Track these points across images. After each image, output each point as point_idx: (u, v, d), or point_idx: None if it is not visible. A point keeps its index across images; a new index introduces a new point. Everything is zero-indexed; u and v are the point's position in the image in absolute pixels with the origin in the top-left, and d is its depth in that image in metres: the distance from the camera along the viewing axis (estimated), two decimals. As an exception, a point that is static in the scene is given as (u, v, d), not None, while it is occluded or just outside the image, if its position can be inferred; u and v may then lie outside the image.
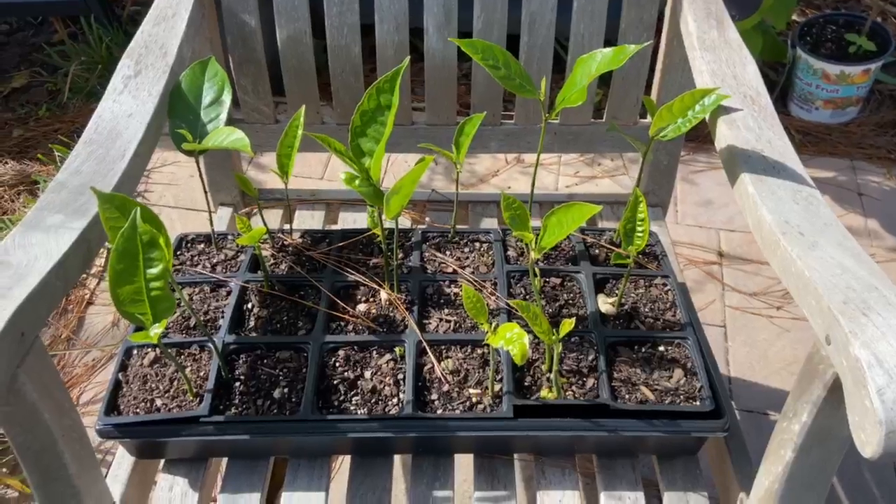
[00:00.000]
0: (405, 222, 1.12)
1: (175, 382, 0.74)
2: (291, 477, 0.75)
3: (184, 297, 0.68)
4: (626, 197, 1.13)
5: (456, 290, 0.84)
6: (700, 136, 1.91)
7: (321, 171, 1.86)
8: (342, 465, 1.14)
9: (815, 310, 0.56)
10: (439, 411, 0.72)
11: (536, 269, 0.72)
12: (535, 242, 0.68)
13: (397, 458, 0.79)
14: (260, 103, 1.03)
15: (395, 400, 0.73)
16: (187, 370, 0.75)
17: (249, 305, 0.82)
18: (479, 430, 0.71)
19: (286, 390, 0.74)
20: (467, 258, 0.89)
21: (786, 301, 1.55)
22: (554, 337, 0.67)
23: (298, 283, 0.85)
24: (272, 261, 0.88)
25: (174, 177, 1.84)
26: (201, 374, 0.75)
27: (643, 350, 0.77)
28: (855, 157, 1.86)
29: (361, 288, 0.84)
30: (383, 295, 0.83)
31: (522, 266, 0.86)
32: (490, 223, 1.08)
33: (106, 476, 0.72)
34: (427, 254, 0.89)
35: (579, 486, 0.75)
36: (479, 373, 0.75)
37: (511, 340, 0.63)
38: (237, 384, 0.74)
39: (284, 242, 0.90)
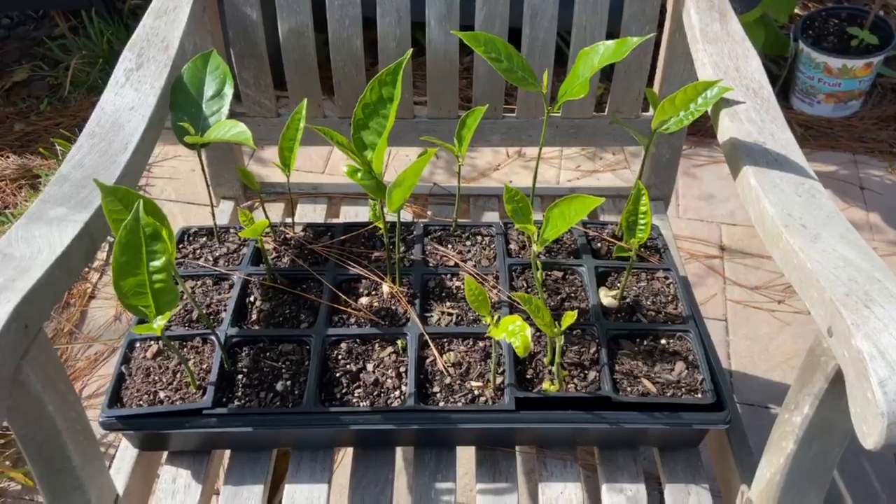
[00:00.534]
0: (407, 216, 1.12)
1: (178, 375, 0.74)
2: (294, 469, 0.75)
3: (186, 290, 0.68)
4: (628, 190, 1.13)
5: (458, 283, 0.84)
6: (702, 130, 1.91)
7: (322, 165, 1.86)
8: (344, 458, 1.15)
9: (818, 302, 0.56)
10: (441, 404, 0.72)
11: (538, 262, 0.72)
12: (538, 235, 0.68)
13: (399, 451, 0.79)
14: (261, 97, 1.03)
15: (397, 392, 0.73)
16: (190, 363, 0.76)
17: (252, 298, 0.83)
18: (481, 422, 0.71)
19: (289, 383, 0.74)
20: (469, 251, 0.89)
21: (787, 295, 1.55)
22: (556, 329, 0.67)
23: (301, 277, 0.85)
24: (274, 254, 0.88)
25: (175, 171, 1.84)
26: (204, 366, 0.75)
27: (645, 343, 0.78)
28: (857, 151, 1.86)
29: (363, 281, 0.84)
30: (385, 288, 0.83)
31: (524, 259, 0.86)
32: (492, 217, 1.08)
33: (109, 468, 0.72)
34: (429, 247, 0.89)
35: (581, 479, 0.76)
36: (480, 365, 0.75)
37: (513, 333, 0.63)
38: (240, 377, 0.74)
39: (286, 236, 0.90)
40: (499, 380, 0.74)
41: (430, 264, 0.86)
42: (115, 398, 0.73)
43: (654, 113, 0.77)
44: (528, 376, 0.74)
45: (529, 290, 0.84)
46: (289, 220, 1.07)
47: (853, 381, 0.51)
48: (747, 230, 1.68)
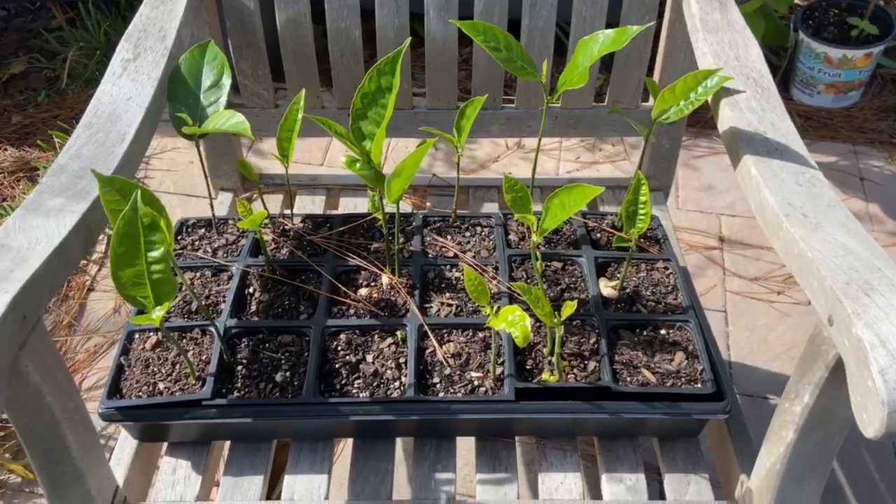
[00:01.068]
0: (406, 207, 1.12)
1: (177, 366, 0.74)
2: (294, 460, 0.75)
3: (185, 281, 0.68)
4: (627, 181, 1.13)
5: (457, 274, 0.84)
6: (701, 121, 1.91)
7: (321, 157, 1.85)
8: (344, 449, 1.15)
9: (818, 291, 0.56)
10: (441, 394, 0.72)
11: (538, 252, 0.72)
12: (537, 225, 0.68)
13: (399, 441, 0.79)
14: (259, 87, 1.02)
15: (397, 383, 0.73)
16: (189, 354, 0.75)
17: (251, 290, 0.82)
18: (481, 413, 0.71)
19: (288, 374, 0.74)
20: (468, 242, 0.88)
21: (786, 286, 1.55)
22: (556, 320, 0.67)
23: (300, 268, 0.85)
24: (273, 245, 0.88)
25: (173, 163, 1.83)
26: (203, 357, 0.75)
27: (645, 333, 0.77)
28: (857, 142, 1.86)
29: (363, 272, 0.84)
30: (385, 279, 0.83)
31: (524, 250, 0.86)
32: (491, 208, 1.08)
33: (109, 459, 0.72)
34: (428, 238, 0.89)
35: (580, 469, 0.76)
36: (480, 356, 0.75)
37: (513, 323, 0.63)
38: (239, 368, 0.74)
39: (285, 227, 0.90)
40: (498, 370, 0.74)
41: (430, 255, 0.86)
42: (115, 389, 0.73)
43: (653, 102, 0.77)
44: (528, 367, 0.74)
45: (529, 280, 0.83)
46: (287, 211, 1.06)
47: (854, 369, 0.51)
48: (747, 221, 1.68)
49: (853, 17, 1.89)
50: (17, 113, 1.95)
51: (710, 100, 0.78)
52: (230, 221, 0.92)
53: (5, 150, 1.84)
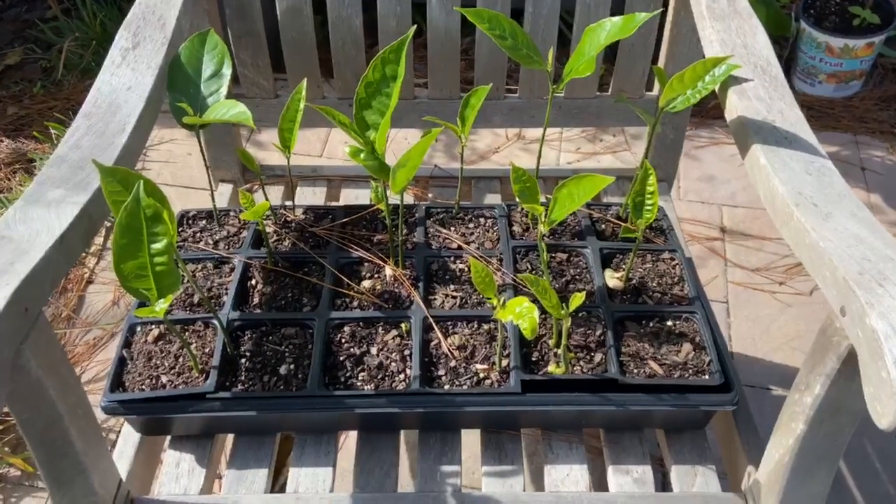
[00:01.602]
0: (408, 198, 1.11)
1: (180, 359, 0.74)
2: (298, 452, 0.74)
3: (188, 273, 0.67)
4: (630, 172, 1.12)
5: (461, 265, 0.83)
6: (703, 111, 1.90)
7: (320, 148, 1.84)
8: (348, 441, 1.14)
9: (830, 281, 0.56)
10: (446, 387, 0.71)
11: (544, 244, 0.71)
12: (545, 215, 0.67)
13: (403, 433, 0.79)
14: (260, 77, 1.01)
15: (401, 376, 0.72)
16: (192, 347, 0.75)
17: (253, 282, 0.82)
18: (487, 405, 0.71)
19: (292, 367, 0.73)
20: (472, 234, 0.88)
21: (788, 276, 1.55)
22: (563, 311, 0.66)
23: (302, 260, 0.84)
24: (275, 237, 0.87)
25: (172, 154, 1.82)
26: (206, 350, 0.74)
27: (651, 325, 0.77)
28: (858, 132, 1.85)
29: (366, 264, 0.83)
30: (388, 271, 0.82)
31: (528, 241, 0.86)
32: (493, 198, 1.07)
33: (112, 453, 0.72)
34: (431, 230, 0.88)
35: (586, 461, 0.75)
36: (485, 348, 0.75)
37: (521, 315, 0.62)
38: (243, 361, 0.74)
39: (287, 219, 0.89)
40: (504, 362, 0.73)
41: (433, 247, 0.85)
42: (117, 383, 0.72)
43: (659, 92, 0.76)
44: (534, 359, 0.74)
45: (534, 272, 0.83)
46: (289, 202, 1.05)
47: (867, 360, 0.50)
48: (748, 212, 1.67)
49: (855, 6, 1.88)
50: (13, 104, 1.94)
51: (716, 88, 0.77)
52: (231, 213, 0.91)
53: (1, 141, 1.82)
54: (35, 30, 2.11)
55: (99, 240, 1.64)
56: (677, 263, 0.84)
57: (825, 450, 0.62)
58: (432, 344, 0.75)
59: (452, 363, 0.73)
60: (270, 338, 0.76)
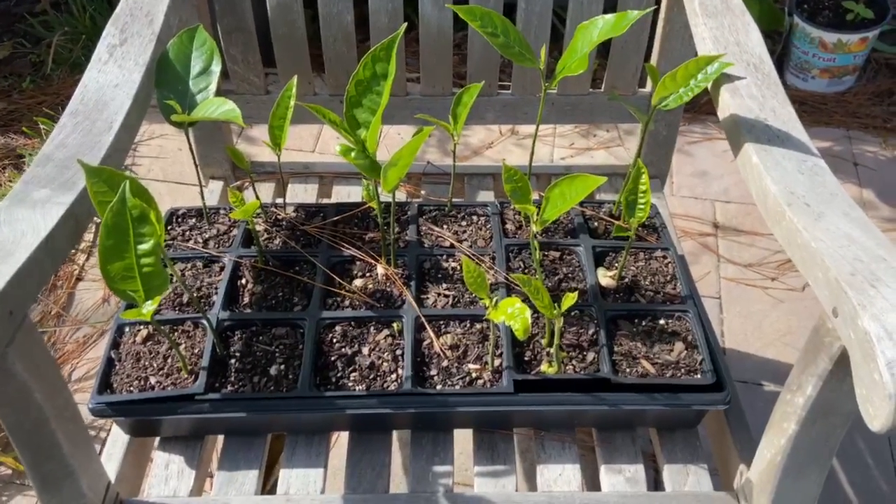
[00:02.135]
0: (400, 195, 1.10)
1: (169, 360, 0.73)
2: (289, 453, 0.74)
3: (176, 274, 0.66)
4: (623, 168, 1.11)
5: (454, 264, 0.83)
6: (695, 107, 1.89)
7: (312, 143, 1.83)
8: (339, 440, 1.14)
9: (822, 282, 0.55)
10: (438, 387, 0.71)
11: (536, 243, 0.70)
12: (537, 215, 0.66)
13: (395, 432, 0.78)
14: (250, 73, 1.00)
15: (393, 376, 0.72)
16: (181, 347, 0.74)
17: (243, 281, 0.81)
18: (479, 405, 0.70)
19: (283, 367, 0.72)
20: (465, 232, 0.87)
21: (780, 272, 1.55)
22: (555, 311, 0.66)
23: (293, 259, 0.83)
24: (266, 235, 0.86)
25: (162, 150, 1.80)
26: (196, 351, 0.74)
27: (644, 323, 0.77)
28: (851, 127, 1.85)
29: (357, 263, 0.83)
30: (380, 270, 0.81)
31: (521, 240, 0.85)
32: (486, 196, 1.07)
33: (100, 454, 0.71)
34: (424, 228, 0.87)
35: (579, 460, 0.75)
36: (478, 348, 0.74)
37: (513, 315, 0.61)
38: (232, 361, 0.73)
39: (278, 217, 0.89)
40: (496, 362, 0.73)
41: (426, 245, 0.85)
42: (105, 384, 0.71)
43: (651, 89, 0.75)
44: (527, 358, 0.73)
45: (527, 270, 0.82)
46: (279, 200, 1.05)
47: (859, 362, 0.50)
48: (741, 207, 1.67)
49: (848, 1, 1.88)
50: (2, 99, 1.92)
51: (709, 86, 0.77)
52: (221, 211, 0.90)
53: (-10, 137, 1.80)
54: (24, 24, 2.09)
55: (89, 236, 1.62)
56: (670, 261, 0.83)
57: (817, 450, 0.62)
58: (424, 343, 0.75)
59: (445, 363, 0.73)
60: (261, 338, 0.75)
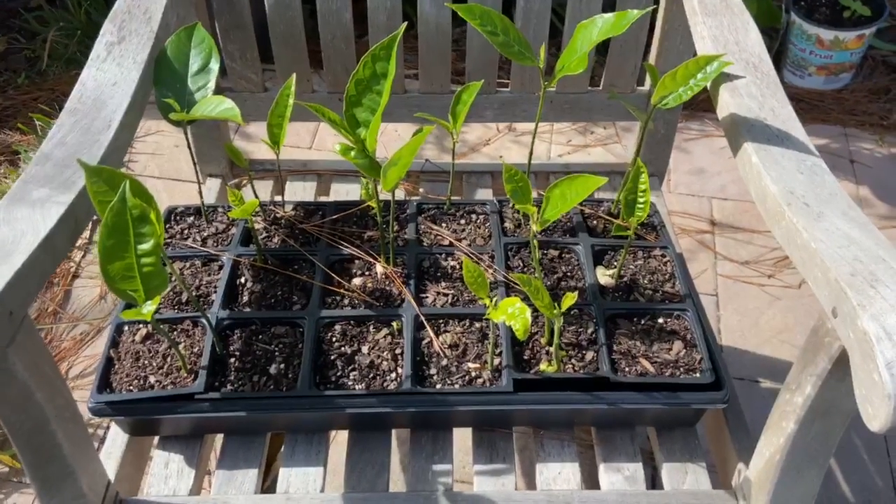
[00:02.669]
0: (399, 193, 1.10)
1: (168, 359, 0.73)
2: (289, 452, 0.74)
3: (176, 273, 0.66)
4: (621, 166, 1.12)
5: (453, 262, 0.83)
6: (693, 104, 1.90)
7: (309, 140, 1.83)
8: (339, 437, 1.14)
9: (822, 282, 0.55)
10: (438, 386, 0.71)
11: (535, 242, 0.70)
12: (538, 216, 0.66)
13: (395, 431, 0.78)
14: (248, 71, 1.00)
15: (393, 375, 0.72)
16: (181, 346, 0.74)
17: (242, 280, 0.81)
18: (479, 404, 0.71)
19: (282, 366, 0.72)
20: (464, 230, 0.87)
21: (777, 269, 1.55)
22: (555, 311, 0.66)
23: (292, 257, 0.83)
24: (264, 234, 0.86)
25: (159, 146, 1.80)
26: (195, 350, 0.74)
27: (643, 322, 0.77)
28: (847, 124, 1.86)
29: (356, 261, 0.83)
30: (379, 268, 0.81)
31: (520, 238, 0.85)
32: (485, 194, 1.07)
33: (99, 452, 0.71)
34: (423, 226, 0.87)
35: (578, 459, 0.75)
36: (477, 346, 0.74)
37: (513, 316, 0.62)
38: (232, 360, 0.73)
39: (276, 215, 0.88)
40: (496, 361, 0.73)
41: (425, 244, 0.85)
42: (104, 383, 0.71)
43: (650, 87, 0.75)
44: (526, 357, 0.74)
45: (526, 269, 0.82)
46: (278, 198, 1.04)
47: (859, 362, 0.50)
48: (738, 204, 1.68)
49: (845, -2, 1.88)
50: (-3, 95, 1.91)
51: (708, 85, 0.77)
52: (219, 209, 0.90)
53: (-15, 133, 1.80)
54: (19, 19, 2.08)
55: (85, 233, 1.62)
56: (668, 260, 0.84)
57: (816, 449, 0.62)
58: (424, 342, 0.75)
59: (444, 362, 0.73)
60: (260, 337, 0.75)
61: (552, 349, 0.72)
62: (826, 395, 0.58)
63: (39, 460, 0.62)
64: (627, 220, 0.75)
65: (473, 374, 0.72)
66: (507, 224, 0.88)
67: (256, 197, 0.83)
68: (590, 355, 0.74)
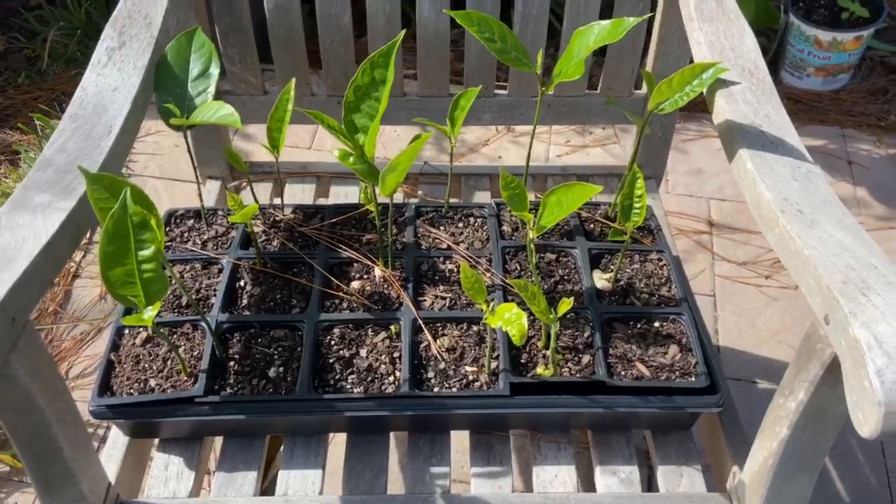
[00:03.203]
0: (397, 196, 1.11)
1: (168, 362, 0.74)
2: (288, 455, 0.75)
3: (175, 276, 0.67)
4: (620, 169, 1.12)
5: (451, 266, 0.83)
6: (691, 105, 1.90)
7: (309, 140, 1.83)
8: (337, 439, 1.15)
9: (814, 289, 0.56)
10: (436, 389, 0.72)
11: (533, 247, 0.71)
12: (534, 222, 0.67)
13: (392, 434, 0.79)
14: (248, 74, 1.01)
15: (391, 378, 0.73)
16: (180, 350, 0.75)
17: (242, 283, 0.81)
18: (476, 407, 0.71)
19: (281, 369, 0.73)
20: (462, 233, 0.88)
21: (775, 270, 1.56)
22: (552, 316, 0.67)
23: (291, 260, 0.84)
24: (264, 237, 0.87)
25: (158, 146, 1.80)
26: (195, 353, 0.74)
27: (639, 326, 0.77)
28: (845, 125, 1.86)
29: (355, 265, 0.83)
30: (377, 272, 0.82)
31: (517, 242, 0.86)
32: (483, 196, 1.07)
33: (99, 454, 0.72)
34: (421, 229, 0.88)
35: (574, 462, 0.76)
36: (475, 350, 0.75)
37: (510, 321, 0.62)
38: (231, 363, 0.74)
39: (276, 218, 0.89)
40: (493, 364, 0.74)
41: (423, 247, 0.86)
42: (105, 386, 0.72)
43: (647, 92, 0.76)
44: (523, 360, 0.74)
45: (523, 272, 0.83)
46: (277, 201, 1.05)
47: (850, 369, 0.51)
48: (736, 205, 1.68)
49: (843, -1, 1.89)
50: (-3, 94, 1.91)
51: (704, 90, 0.77)
52: (219, 212, 0.90)
53: (-15, 132, 1.80)
54: (19, 18, 2.08)
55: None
56: (665, 264, 0.84)
57: (808, 453, 0.63)
58: (422, 346, 0.75)
59: (442, 365, 0.74)
60: (259, 340, 0.76)
61: (549, 353, 0.73)
62: (818, 401, 0.59)
63: (40, 463, 0.62)
64: (624, 224, 0.76)
65: (471, 377, 0.73)
66: (505, 227, 0.88)
67: (256, 201, 0.84)
68: (586, 359, 0.74)
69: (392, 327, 0.77)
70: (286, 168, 1.12)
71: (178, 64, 0.79)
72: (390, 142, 1.80)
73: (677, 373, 0.74)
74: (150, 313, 0.60)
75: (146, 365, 0.73)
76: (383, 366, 0.74)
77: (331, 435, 0.78)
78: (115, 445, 0.75)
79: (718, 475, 0.78)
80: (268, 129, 0.80)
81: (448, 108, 0.80)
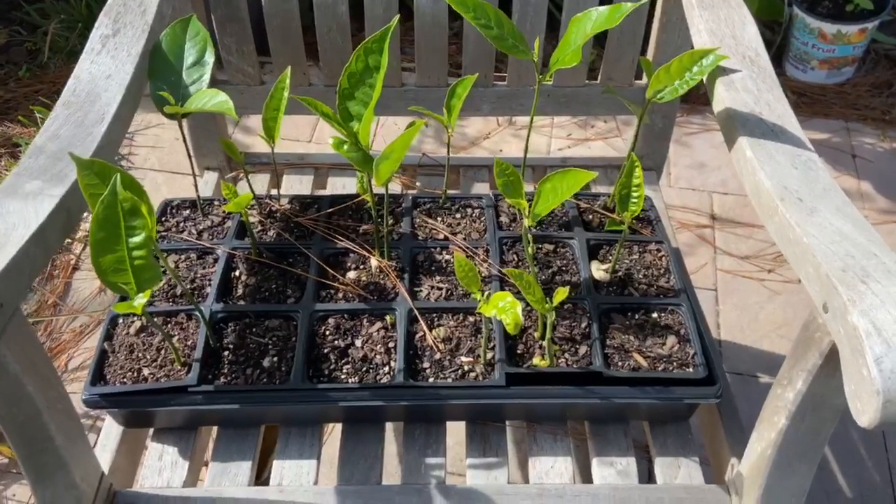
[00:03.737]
0: (395, 187, 1.10)
1: (162, 352, 0.73)
2: (283, 444, 0.74)
3: (168, 266, 0.66)
4: (620, 160, 1.11)
5: (447, 256, 0.83)
6: (694, 98, 1.89)
7: (309, 133, 1.82)
8: (333, 431, 1.14)
9: (813, 277, 0.55)
10: (431, 380, 0.71)
11: (529, 236, 0.70)
12: (529, 209, 0.66)
13: (388, 424, 0.78)
14: (244, 64, 1.00)
15: (386, 368, 0.72)
16: (175, 339, 0.74)
17: (237, 273, 0.81)
18: (472, 398, 0.71)
19: (276, 359, 0.73)
20: (459, 224, 0.87)
21: (777, 264, 1.55)
22: (548, 305, 0.66)
23: (287, 250, 0.83)
24: (260, 227, 0.86)
25: (158, 139, 1.80)
26: (189, 343, 0.74)
27: (637, 317, 0.77)
28: (849, 119, 1.85)
29: (351, 255, 0.83)
30: (373, 262, 0.81)
31: (515, 232, 0.85)
32: (482, 188, 1.07)
33: (94, 445, 0.71)
34: (418, 220, 0.87)
35: (571, 453, 0.75)
36: (471, 341, 0.74)
37: (504, 310, 0.62)
38: (226, 353, 0.73)
39: (272, 208, 0.88)
40: (489, 355, 0.73)
41: (419, 237, 0.85)
42: (98, 376, 0.72)
43: (647, 81, 0.75)
44: (519, 351, 0.74)
45: (521, 263, 0.82)
46: (274, 191, 1.04)
47: (848, 357, 0.50)
48: (738, 199, 1.67)
49: (848, -9, 1.87)
50: (-2, 87, 1.91)
51: (704, 79, 0.76)
52: (216, 202, 0.90)
53: (-14, 125, 1.80)
54: (20, 12, 2.08)
55: (85, 226, 1.62)
56: (664, 255, 0.83)
57: (807, 444, 0.62)
58: (417, 336, 0.75)
59: (437, 356, 0.73)
60: (254, 330, 0.75)
61: (545, 343, 0.72)
62: (817, 391, 0.58)
63: (32, 452, 0.62)
64: (621, 214, 0.75)
65: (466, 368, 0.72)
66: (503, 218, 0.88)
67: (252, 191, 0.84)
68: (583, 350, 0.74)
69: (388, 317, 0.76)
70: (284, 159, 1.12)
71: (173, 52, 0.78)
72: (391, 134, 1.79)
73: (675, 364, 0.73)
74: (140, 300, 0.59)
75: (140, 354, 0.73)
76: (378, 356, 0.73)
77: (326, 426, 0.78)
78: (108, 435, 0.75)
79: (717, 467, 0.77)
80: (263, 118, 0.79)
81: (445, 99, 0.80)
